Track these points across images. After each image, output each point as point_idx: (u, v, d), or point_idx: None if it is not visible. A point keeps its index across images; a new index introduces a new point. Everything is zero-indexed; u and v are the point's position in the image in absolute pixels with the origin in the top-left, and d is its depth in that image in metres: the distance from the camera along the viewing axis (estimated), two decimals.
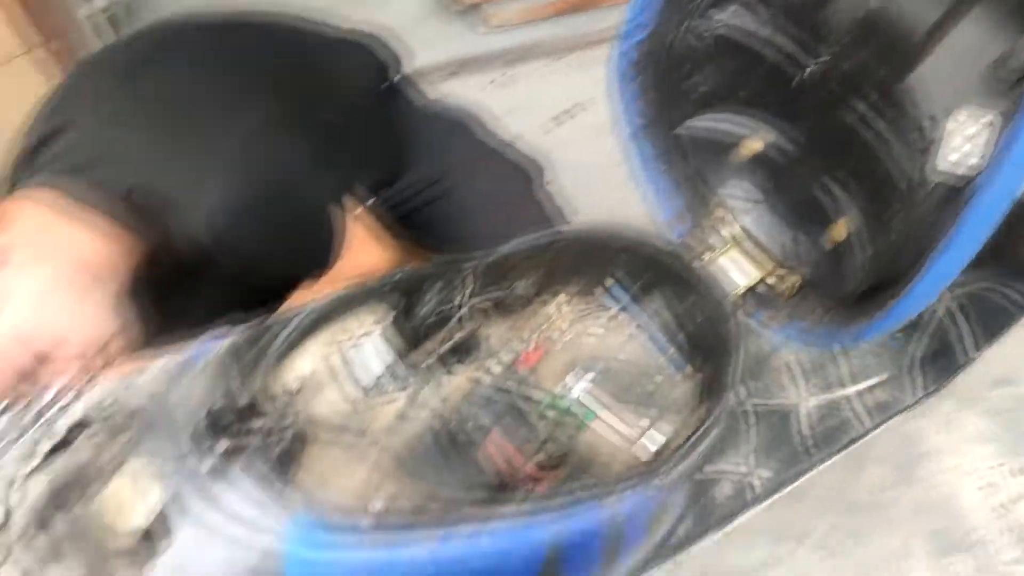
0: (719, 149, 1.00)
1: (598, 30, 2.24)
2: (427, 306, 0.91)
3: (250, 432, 0.62)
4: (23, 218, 0.89)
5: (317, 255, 1.11)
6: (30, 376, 0.83)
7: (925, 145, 0.81)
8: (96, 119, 0.99)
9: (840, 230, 0.87)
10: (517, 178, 1.33)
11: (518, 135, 1.44)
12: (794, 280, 0.99)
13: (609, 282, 1.03)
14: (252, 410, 0.63)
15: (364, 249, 1.19)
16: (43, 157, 0.97)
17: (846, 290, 0.87)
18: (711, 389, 1.00)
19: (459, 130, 1.33)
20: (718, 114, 1.08)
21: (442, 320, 0.92)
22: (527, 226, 0.99)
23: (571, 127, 2.04)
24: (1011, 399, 1.61)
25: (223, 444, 0.62)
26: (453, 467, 0.73)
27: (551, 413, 0.95)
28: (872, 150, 0.88)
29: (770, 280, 1.01)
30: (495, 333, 0.99)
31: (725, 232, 1.04)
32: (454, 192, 1.24)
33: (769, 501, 1.14)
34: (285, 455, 0.63)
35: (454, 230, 1.18)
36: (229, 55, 1.10)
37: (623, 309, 1.05)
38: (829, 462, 1.22)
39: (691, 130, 1.10)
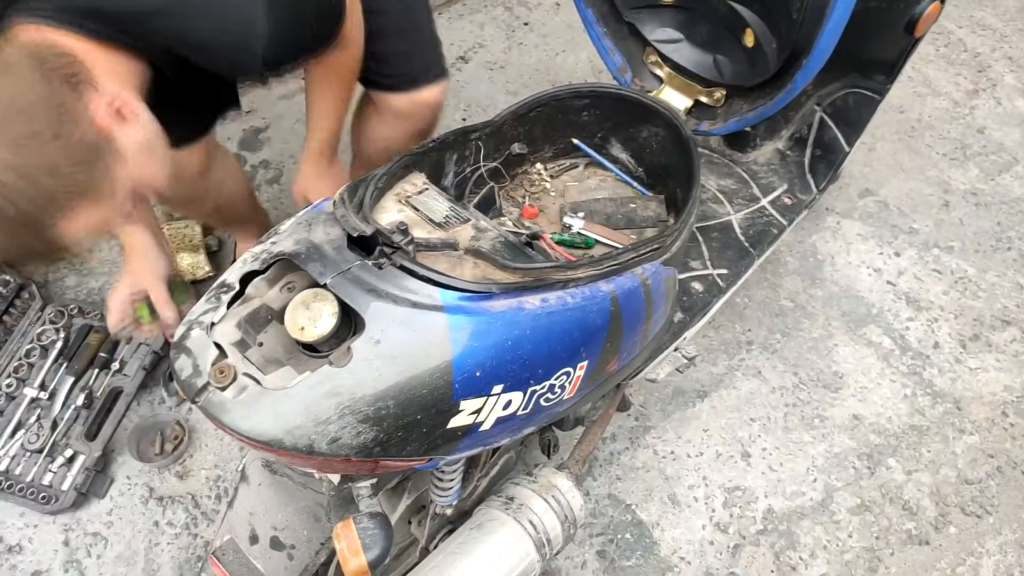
0: (644, 3, 1.24)
1: None
2: (450, 173, 1.11)
3: (389, 247, 0.81)
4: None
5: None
6: None
7: None
8: None
9: (749, 37, 1.12)
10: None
11: None
12: (720, 93, 1.25)
13: (574, 141, 1.26)
14: (380, 236, 0.81)
15: None
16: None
17: (764, 78, 1.13)
18: (674, 200, 1.26)
19: None
20: None
21: (463, 181, 1.13)
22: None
23: (474, 64, 2.25)
24: (875, 205, 1.99)
25: (376, 253, 0.80)
26: (526, 258, 0.94)
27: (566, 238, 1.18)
28: None
29: (703, 99, 1.27)
30: (505, 191, 1.21)
31: (659, 73, 1.29)
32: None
33: (730, 292, 1.42)
34: (414, 261, 0.82)
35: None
36: None
37: (590, 159, 1.29)
38: (763, 258, 1.52)
39: None
